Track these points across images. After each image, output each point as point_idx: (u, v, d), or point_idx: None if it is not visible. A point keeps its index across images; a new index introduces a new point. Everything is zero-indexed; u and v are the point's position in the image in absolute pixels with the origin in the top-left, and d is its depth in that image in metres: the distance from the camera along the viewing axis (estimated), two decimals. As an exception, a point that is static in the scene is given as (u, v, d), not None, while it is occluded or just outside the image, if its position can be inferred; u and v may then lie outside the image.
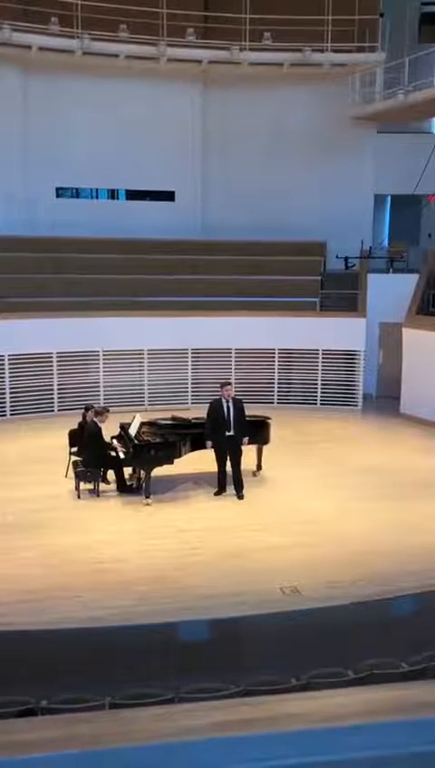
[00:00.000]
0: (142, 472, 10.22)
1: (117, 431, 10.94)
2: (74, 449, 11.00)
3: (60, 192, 17.91)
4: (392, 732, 1.14)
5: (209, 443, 10.31)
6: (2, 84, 16.68)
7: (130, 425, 10.62)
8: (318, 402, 16.20)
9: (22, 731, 1.18)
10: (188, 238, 17.49)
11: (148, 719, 1.23)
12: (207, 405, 10.74)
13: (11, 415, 14.82)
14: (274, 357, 16.15)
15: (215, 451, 10.34)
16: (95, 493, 10.31)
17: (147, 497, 9.96)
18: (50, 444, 12.15)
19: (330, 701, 1.27)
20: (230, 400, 10.38)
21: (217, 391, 10.84)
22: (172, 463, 10.10)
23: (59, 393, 15.28)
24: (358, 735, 1.13)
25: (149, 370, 15.86)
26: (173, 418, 11.39)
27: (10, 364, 14.85)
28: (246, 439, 10.53)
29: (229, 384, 10.83)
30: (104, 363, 15.59)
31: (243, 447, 10.45)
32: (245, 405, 10.62)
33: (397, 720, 1.16)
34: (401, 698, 1.25)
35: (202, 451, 10.49)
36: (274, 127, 17.96)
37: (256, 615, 7.02)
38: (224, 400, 10.37)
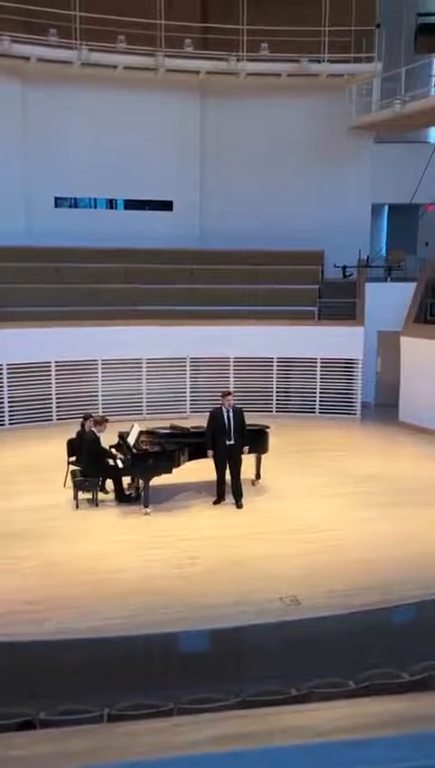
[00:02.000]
0: (141, 481, 10.21)
1: (116, 440, 10.93)
2: (73, 459, 10.99)
3: (58, 202, 17.95)
4: (392, 746, 1.13)
5: (210, 452, 10.31)
6: (1, 95, 16.76)
7: (128, 434, 10.61)
8: (317, 411, 16.20)
9: (20, 746, 1.17)
10: (186, 247, 17.53)
11: (146, 733, 1.22)
12: (206, 414, 10.74)
13: (9, 424, 14.81)
14: (272, 366, 16.16)
15: (214, 460, 10.33)
16: (94, 502, 10.29)
17: (146, 506, 9.94)
18: (48, 453, 12.15)
19: (329, 714, 1.27)
20: (231, 409, 10.38)
21: (216, 400, 10.85)
22: (171, 472, 10.08)
23: (57, 402, 15.27)
24: (357, 750, 1.12)
25: (147, 379, 15.87)
26: (172, 427, 11.39)
27: (8, 373, 14.85)
28: (246, 448, 10.52)
29: (230, 393, 10.83)
30: (103, 372, 15.60)
31: (242, 456, 10.45)
32: (244, 413, 10.62)
33: (396, 734, 1.15)
34: (401, 712, 1.25)
35: (201, 460, 10.48)
36: (271, 136, 18.04)
37: (255, 624, 7.00)
38: (224, 409, 10.37)
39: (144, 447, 10.28)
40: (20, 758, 1.11)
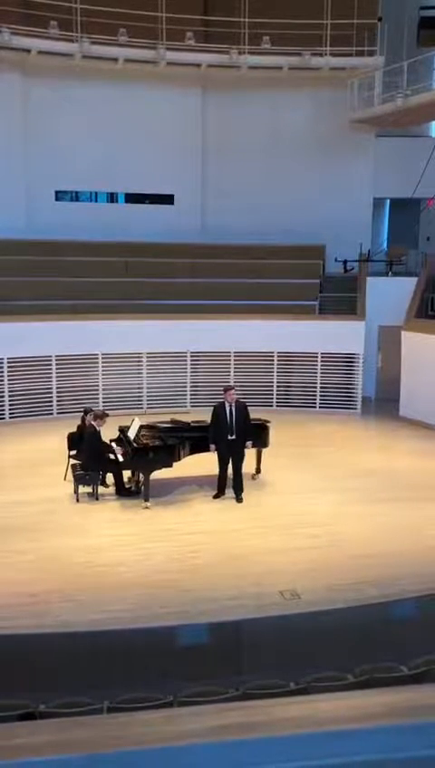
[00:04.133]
0: (141, 475, 10.22)
1: (116, 434, 10.93)
2: (73, 452, 11.00)
3: (59, 195, 17.92)
4: (391, 736, 1.13)
5: (213, 446, 10.30)
6: (1, 88, 16.71)
7: (129, 428, 10.61)
8: (317, 405, 16.19)
9: (20, 735, 1.17)
10: (187, 241, 17.50)
11: (146, 723, 1.23)
12: (206, 408, 10.73)
13: (10, 418, 14.81)
14: (273, 360, 16.15)
15: (218, 454, 10.32)
16: (94, 496, 10.30)
17: (146, 500, 9.95)
18: (49, 447, 12.16)
19: (329, 705, 1.27)
20: (233, 404, 10.35)
21: (217, 395, 10.84)
22: (171, 466, 10.09)
23: (58, 396, 15.28)
24: (357, 740, 1.12)
25: (148, 374, 15.86)
26: (172, 422, 11.39)
27: (9, 367, 14.85)
28: (249, 443, 10.52)
29: (232, 388, 10.77)
30: (103, 366, 15.59)
31: (244, 451, 10.44)
32: (248, 409, 10.59)
33: (396, 724, 1.16)
34: (400, 702, 1.25)
35: (201, 454, 10.48)
36: (273, 130, 17.99)
37: (255, 618, 7.01)
38: (227, 404, 10.34)
39: (144, 441, 10.28)
40: (20, 746, 1.11)
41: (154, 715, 1.25)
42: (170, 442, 10.23)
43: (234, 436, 10.22)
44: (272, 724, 1.18)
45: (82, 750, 1.11)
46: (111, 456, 10.51)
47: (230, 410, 10.28)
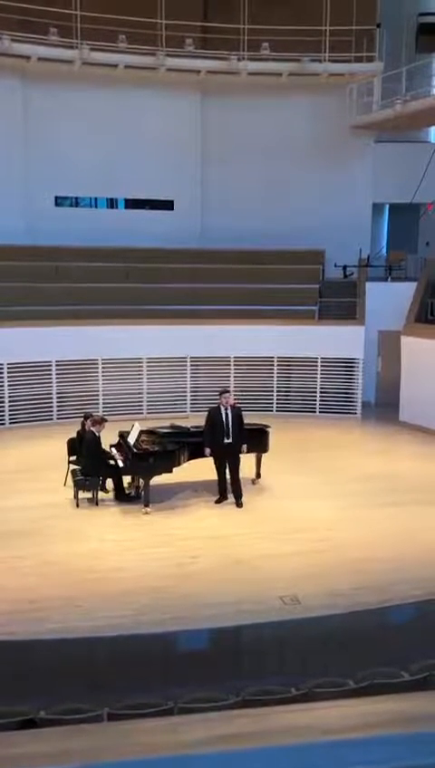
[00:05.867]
0: (141, 480, 10.21)
1: (116, 439, 10.93)
2: (73, 458, 10.99)
3: (59, 201, 17.95)
4: (393, 744, 1.13)
5: (207, 450, 10.30)
6: (1, 94, 16.76)
7: (129, 433, 10.61)
8: (317, 410, 16.19)
9: (21, 744, 1.17)
10: (186, 247, 17.52)
11: (147, 732, 1.22)
12: (206, 413, 10.73)
13: (10, 423, 14.81)
14: (272, 365, 16.16)
15: (214, 459, 10.32)
16: (94, 501, 10.29)
17: (146, 506, 9.94)
18: (49, 452, 12.14)
19: (330, 713, 1.27)
20: (229, 408, 10.36)
21: (216, 400, 10.83)
22: (171, 471, 10.08)
23: (58, 402, 15.27)
24: (359, 748, 1.12)
25: (148, 379, 15.86)
26: (172, 427, 11.39)
27: (9, 372, 14.85)
28: (244, 447, 10.52)
29: (228, 392, 10.81)
30: (103, 372, 15.59)
31: (241, 455, 10.43)
32: (244, 413, 10.61)
33: (398, 733, 1.15)
34: (402, 711, 1.25)
35: (201, 459, 10.47)
36: (272, 136, 18.02)
37: (255, 624, 7.00)
38: (223, 408, 10.35)
39: (145, 447, 10.28)
40: (21, 756, 1.11)
41: (156, 724, 1.25)
42: (170, 447, 10.23)
43: (230, 440, 10.22)
44: (273, 732, 1.17)
45: (83, 759, 1.11)
46: (111, 462, 10.50)
47: (226, 414, 10.28)
